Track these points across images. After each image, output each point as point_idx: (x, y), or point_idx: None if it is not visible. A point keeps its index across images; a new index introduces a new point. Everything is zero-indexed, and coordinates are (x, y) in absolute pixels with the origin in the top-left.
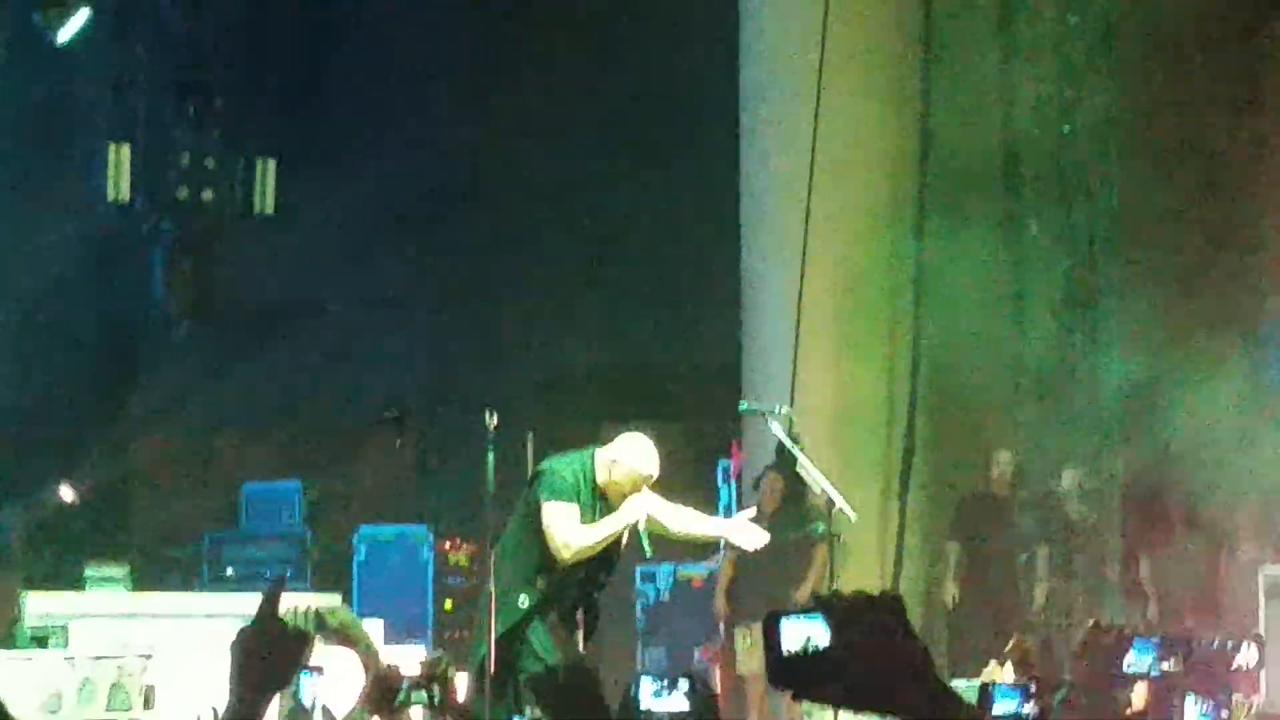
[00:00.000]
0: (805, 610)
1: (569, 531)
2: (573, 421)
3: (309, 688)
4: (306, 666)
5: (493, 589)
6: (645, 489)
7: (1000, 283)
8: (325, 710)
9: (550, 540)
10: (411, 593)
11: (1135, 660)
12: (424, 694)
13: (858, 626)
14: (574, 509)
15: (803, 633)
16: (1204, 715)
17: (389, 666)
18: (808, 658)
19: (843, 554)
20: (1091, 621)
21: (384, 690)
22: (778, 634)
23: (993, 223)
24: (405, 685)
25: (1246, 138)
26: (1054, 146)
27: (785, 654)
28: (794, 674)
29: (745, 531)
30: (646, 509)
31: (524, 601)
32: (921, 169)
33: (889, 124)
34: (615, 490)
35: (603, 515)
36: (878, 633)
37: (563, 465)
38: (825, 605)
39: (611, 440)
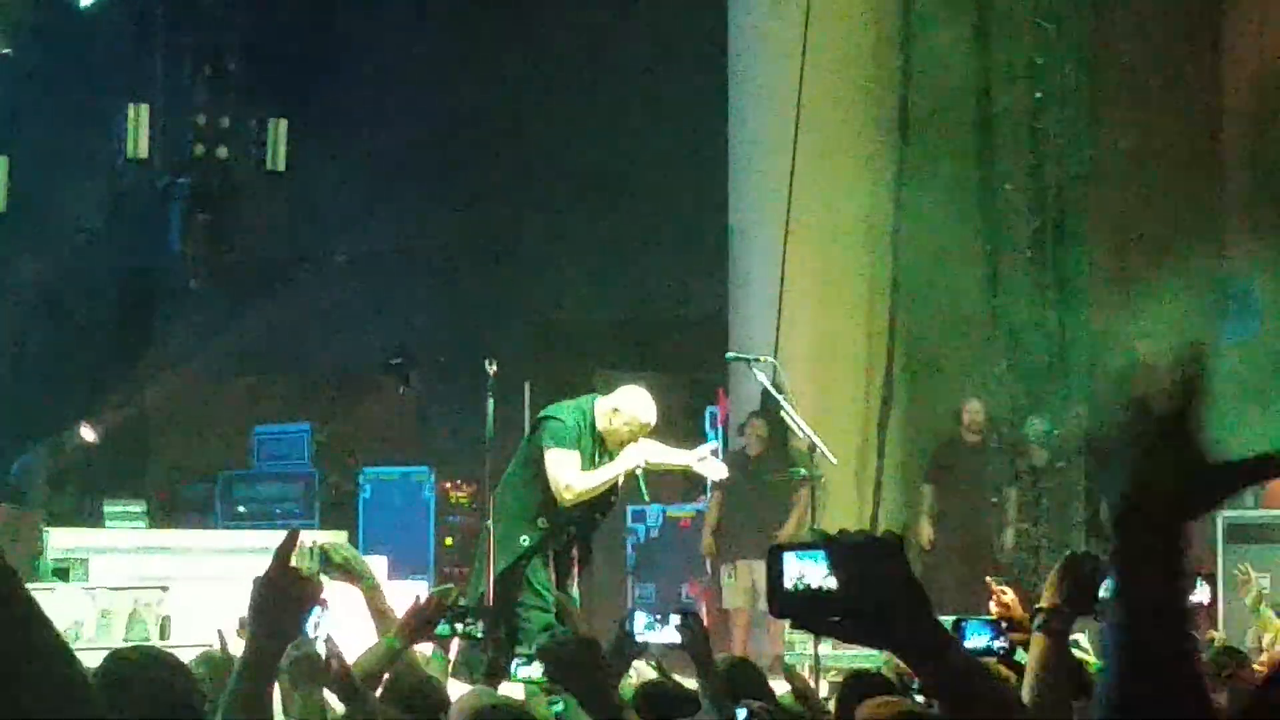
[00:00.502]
0: (808, 546)
1: (571, 475)
2: (568, 370)
3: (313, 621)
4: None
5: (492, 528)
6: (642, 437)
7: (974, 239)
8: (329, 640)
9: (553, 483)
10: (414, 530)
11: (1109, 588)
12: (473, 625)
13: (858, 564)
14: (575, 455)
15: (805, 568)
16: None
17: (432, 594)
18: (810, 592)
19: (824, 496)
20: (1068, 551)
21: (427, 618)
22: (781, 567)
23: (968, 182)
24: (447, 616)
25: (1211, 96)
26: (1026, 110)
27: (788, 588)
28: (796, 606)
29: (708, 462)
30: (644, 456)
31: (525, 541)
32: (901, 129)
33: (870, 85)
34: (614, 438)
35: (601, 460)
36: (877, 571)
37: (565, 412)
38: (828, 542)
39: (608, 388)
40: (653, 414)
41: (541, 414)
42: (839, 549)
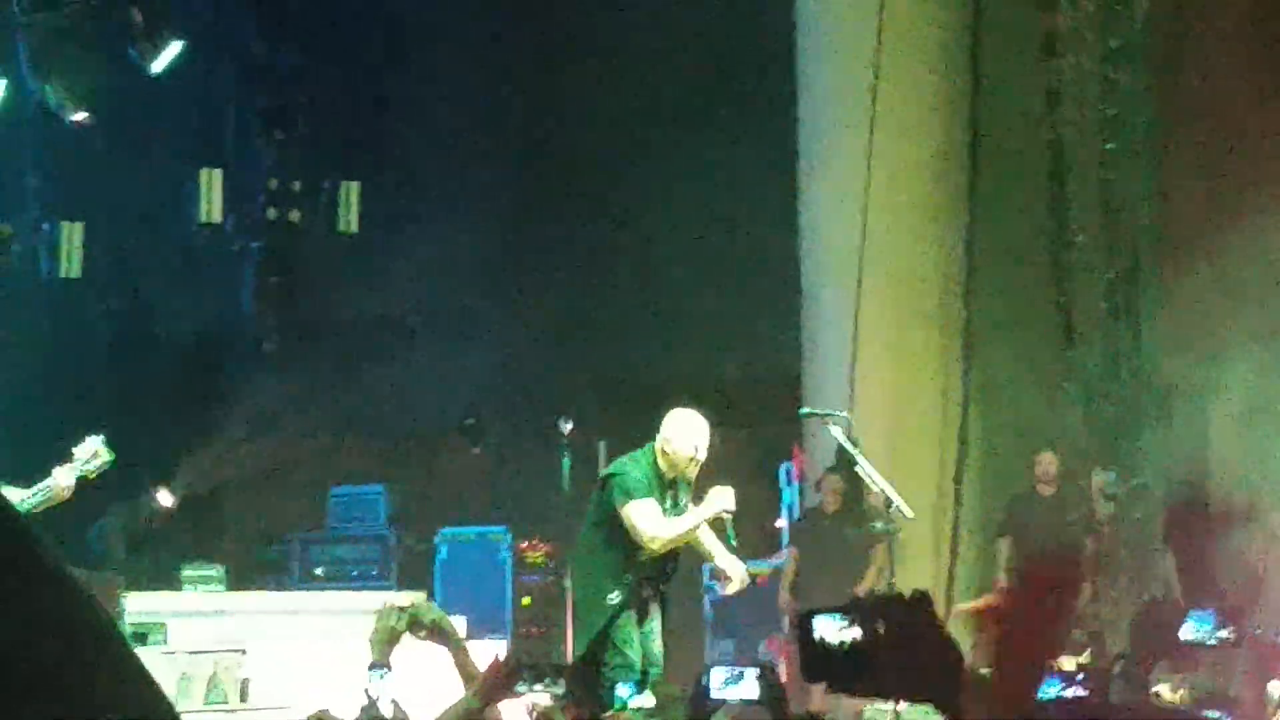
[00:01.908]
0: (836, 609)
1: (655, 525)
2: (641, 428)
3: (376, 685)
4: (375, 664)
5: (570, 593)
6: (727, 486)
7: (1047, 291)
8: (395, 705)
9: (639, 536)
10: (491, 590)
11: (1193, 630)
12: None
13: (885, 622)
14: (653, 503)
15: (833, 629)
16: None
17: (506, 656)
18: (838, 652)
19: (900, 551)
20: (1147, 596)
21: (505, 678)
22: (810, 630)
23: (1040, 235)
24: (526, 674)
25: None
26: (1097, 161)
27: (817, 649)
28: (825, 668)
29: (731, 572)
30: (728, 500)
31: (615, 598)
32: (971, 183)
33: (941, 141)
34: (676, 471)
35: (673, 500)
36: (905, 628)
37: (629, 465)
38: (854, 604)
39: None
40: (700, 432)
41: (606, 472)
42: (864, 606)
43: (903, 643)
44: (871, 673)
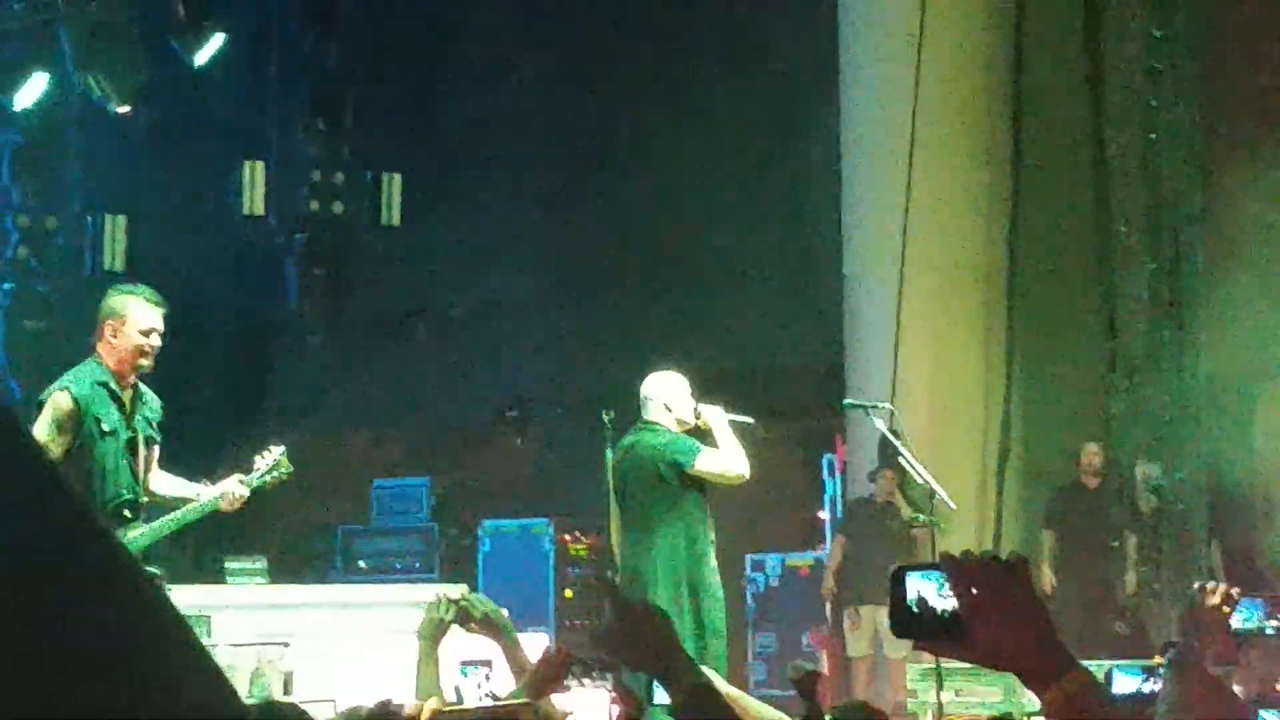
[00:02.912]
0: (930, 566)
1: (734, 460)
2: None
3: (475, 681)
4: (472, 660)
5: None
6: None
7: (1090, 281)
8: (494, 698)
9: (734, 474)
10: (534, 583)
11: (1244, 619)
12: (601, 678)
13: (980, 586)
14: (706, 448)
15: (925, 588)
16: None
17: (555, 648)
18: (930, 612)
19: (943, 541)
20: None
21: (555, 671)
22: (903, 587)
23: (1083, 225)
24: (576, 667)
25: None
26: (1140, 152)
27: (909, 607)
28: (917, 627)
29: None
30: (718, 410)
31: (716, 576)
32: (1015, 174)
33: (983, 130)
34: (686, 424)
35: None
36: (999, 594)
37: (658, 433)
38: (950, 563)
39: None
40: (684, 386)
41: (641, 454)
42: (960, 570)
43: (996, 609)
44: (962, 637)
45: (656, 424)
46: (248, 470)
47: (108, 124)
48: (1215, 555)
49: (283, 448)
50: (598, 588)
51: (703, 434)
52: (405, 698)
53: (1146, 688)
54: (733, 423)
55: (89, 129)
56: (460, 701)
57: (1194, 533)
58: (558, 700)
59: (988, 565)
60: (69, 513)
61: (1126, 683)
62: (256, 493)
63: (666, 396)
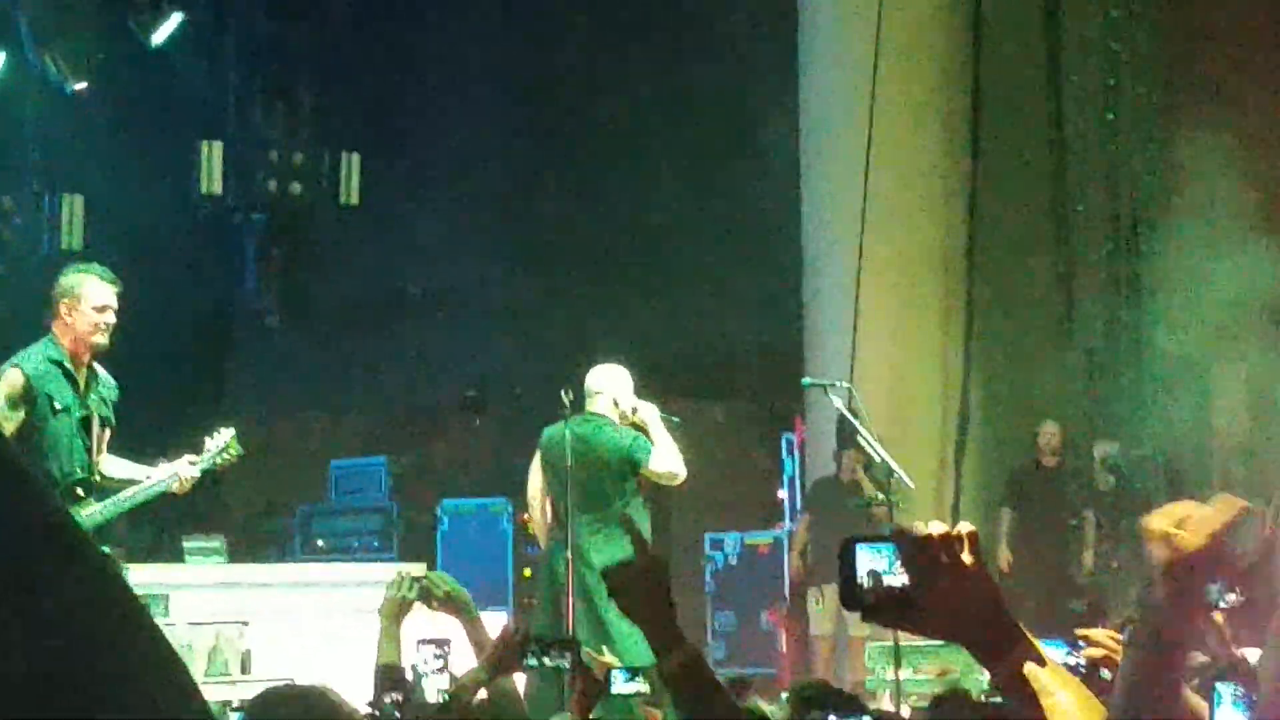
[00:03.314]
0: (880, 539)
1: (675, 463)
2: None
3: (433, 658)
4: (431, 639)
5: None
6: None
7: (1048, 260)
8: (452, 677)
9: (673, 478)
10: (492, 562)
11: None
12: (560, 656)
13: (929, 558)
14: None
15: (876, 561)
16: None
17: (515, 629)
18: (880, 586)
19: (902, 520)
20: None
21: (513, 649)
22: (853, 559)
23: (1041, 204)
24: (534, 649)
25: None
26: (1098, 132)
27: (860, 581)
28: (866, 599)
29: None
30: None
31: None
32: (974, 152)
33: (942, 110)
34: (624, 417)
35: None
36: (949, 566)
37: (615, 429)
38: (900, 536)
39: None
40: (609, 373)
41: (608, 453)
42: (910, 542)
43: (946, 581)
44: (913, 610)
45: (604, 417)
46: (198, 452)
47: (65, 103)
48: None
49: (232, 430)
50: (628, 531)
51: (637, 429)
52: (364, 676)
53: (1072, 660)
54: (664, 420)
55: (46, 108)
56: (417, 680)
57: (1150, 510)
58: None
59: (938, 538)
60: (33, 506)
61: (1052, 655)
62: (207, 474)
63: (615, 390)
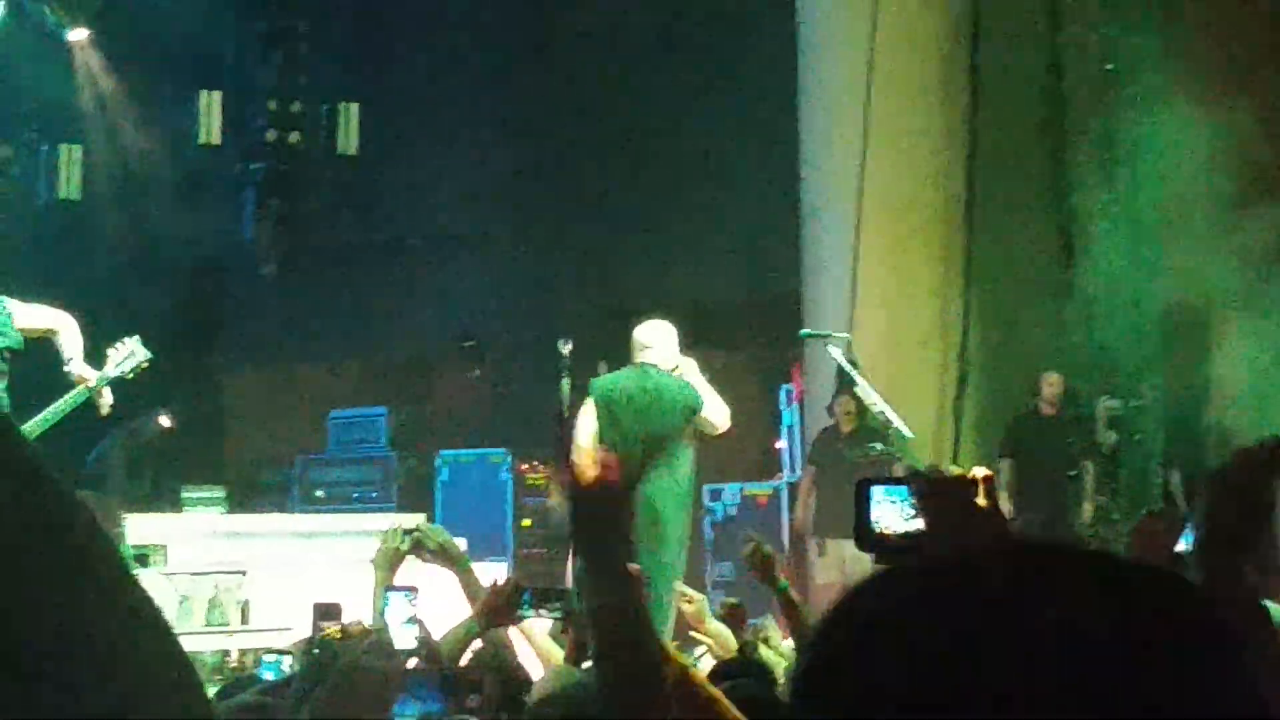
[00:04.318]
0: (896, 481)
1: (723, 413)
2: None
3: (400, 607)
4: (398, 586)
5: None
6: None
7: (1048, 210)
8: (420, 624)
9: (718, 426)
10: (491, 512)
11: (1189, 544)
12: (555, 608)
13: (942, 501)
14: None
15: (890, 509)
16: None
17: (507, 579)
18: (895, 530)
19: (901, 471)
20: (1144, 510)
21: (507, 600)
22: (868, 500)
23: (1041, 152)
24: (528, 595)
25: None
26: (1098, 80)
27: (874, 521)
28: (879, 540)
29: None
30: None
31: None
32: (973, 104)
33: (942, 61)
34: (671, 370)
35: None
36: (961, 508)
37: (667, 379)
38: (914, 479)
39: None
40: (659, 328)
41: (668, 392)
42: (926, 485)
43: (956, 524)
44: (920, 550)
45: (656, 367)
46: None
47: (62, 52)
48: (1175, 483)
49: (136, 337)
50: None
51: None
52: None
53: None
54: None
55: (43, 57)
56: (385, 628)
57: (1151, 463)
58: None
59: (953, 481)
60: (57, 512)
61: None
62: (118, 384)
63: (663, 344)
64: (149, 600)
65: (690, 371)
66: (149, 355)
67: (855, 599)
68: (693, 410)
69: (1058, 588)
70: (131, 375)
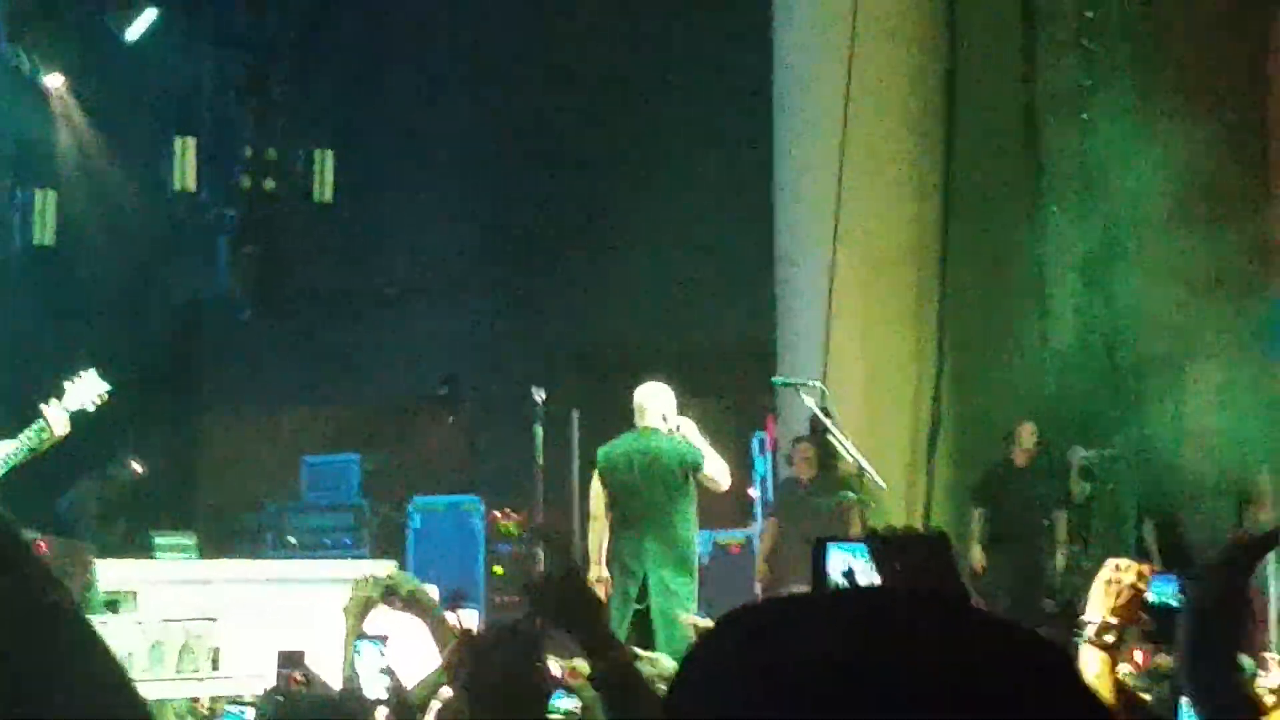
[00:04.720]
0: (853, 540)
1: (723, 470)
2: (615, 397)
3: (371, 656)
4: (369, 635)
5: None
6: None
7: (1022, 261)
8: (391, 673)
9: (719, 484)
10: (464, 560)
11: (1157, 595)
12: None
13: (900, 561)
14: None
15: (848, 562)
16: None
17: (474, 630)
18: (854, 585)
19: (874, 519)
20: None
21: (470, 652)
22: (824, 560)
23: (1016, 205)
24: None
25: (1259, 124)
26: (1074, 132)
27: (830, 582)
28: None
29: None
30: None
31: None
32: (948, 153)
33: (917, 109)
34: (672, 430)
35: None
36: (918, 569)
37: (666, 441)
38: (871, 539)
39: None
40: (658, 390)
41: (673, 451)
42: (883, 545)
43: (917, 584)
44: None
45: (657, 430)
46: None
47: (38, 97)
48: (1149, 534)
49: (93, 369)
50: (544, 543)
51: None
52: (333, 674)
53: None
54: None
55: (19, 102)
56: (355, 677)
57: (1124, 512)
58: None
59: (910, 540)
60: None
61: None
62: (80, 418)
63: (663, 406)
64: (109, 660)
65: (690, 431)
66: (108, 387)
67: (714, 630)
68: (692, 469)
69: (898, 633)
70: (93, 409)
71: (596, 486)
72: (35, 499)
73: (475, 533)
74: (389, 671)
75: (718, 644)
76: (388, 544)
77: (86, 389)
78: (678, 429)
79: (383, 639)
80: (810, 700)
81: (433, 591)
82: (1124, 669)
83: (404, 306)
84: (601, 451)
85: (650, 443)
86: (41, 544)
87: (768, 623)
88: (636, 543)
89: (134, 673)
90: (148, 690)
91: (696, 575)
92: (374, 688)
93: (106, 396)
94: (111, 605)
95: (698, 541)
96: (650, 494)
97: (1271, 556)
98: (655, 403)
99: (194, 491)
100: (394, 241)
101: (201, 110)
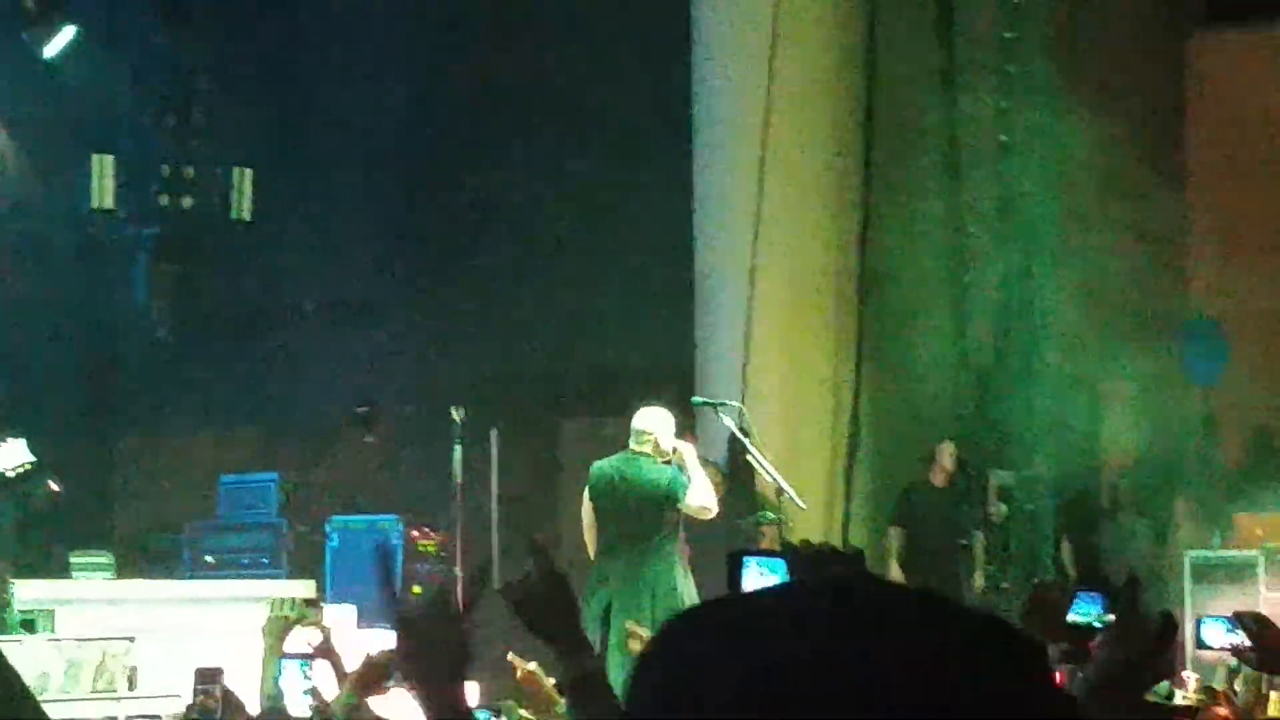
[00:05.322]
0: (770, 554)
1: (710, 499)
2: (534, 416)
3: (294, 676)
4: (293, 654)
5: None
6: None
7: (942, 281)
8: (316, 693)
9: (705, 513)
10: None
11: (1080, 613)
12: None
13: (816, 574)
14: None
15: (764, 575)
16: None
17: (381, 651)
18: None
19: (791, 539)
20: (1035, 581)
21: (376, 672)
22: (740, 572)
23: (935, 224)
24: (395, 670)
25: (1175, 149)
26: (993, 153)
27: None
28: None
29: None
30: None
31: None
32: (867, 175)
33: (836, 128)
34: (664, 455)
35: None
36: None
37: (651, 468)
38: (788, 552)
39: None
40: (656, 415)
41: (658, 481)
42: (800, 558)
43: None
44: None
45: (647, 455)
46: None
47: None
48: (1067, 553)
49: (23, 440)
50: (529, 548)
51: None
52: (250, 694)
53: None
54: (701, 461)
55: None
56: (280, 695)
57: (1041, 532)
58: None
59: (822, 554)
60: None
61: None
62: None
63: (660, 431)
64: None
65: (687, 456)
66: (33, 458)
67: (668, 633)
68: (670, 497)
69: (868, 625)
70: (14, 475)
71: (586, 506)
72: None
73: (394, 552)
74: (313, 691)
75: (675, 647)
76: (306, 564)
77: (10, 456)
78: (674, 452)
79: (308, 658)
80: (783, 698)
81: (349, 611)
82: None
83: (323, 325)
84: (592, 467)
85: (630, 469)
86: None
87: (727, 621)
88: (605, 570)
89: (50, 692)
90: (64, 710)
91: (686, 596)
92: (298, 707)
93: (30, 467)
94: (28, 624)
95: (682, 578)
96: (620, 524)
97: (1187, 576)
98: (653, 426)
99: (111, 511)
100: (313, 260)
101: (120, 128)
